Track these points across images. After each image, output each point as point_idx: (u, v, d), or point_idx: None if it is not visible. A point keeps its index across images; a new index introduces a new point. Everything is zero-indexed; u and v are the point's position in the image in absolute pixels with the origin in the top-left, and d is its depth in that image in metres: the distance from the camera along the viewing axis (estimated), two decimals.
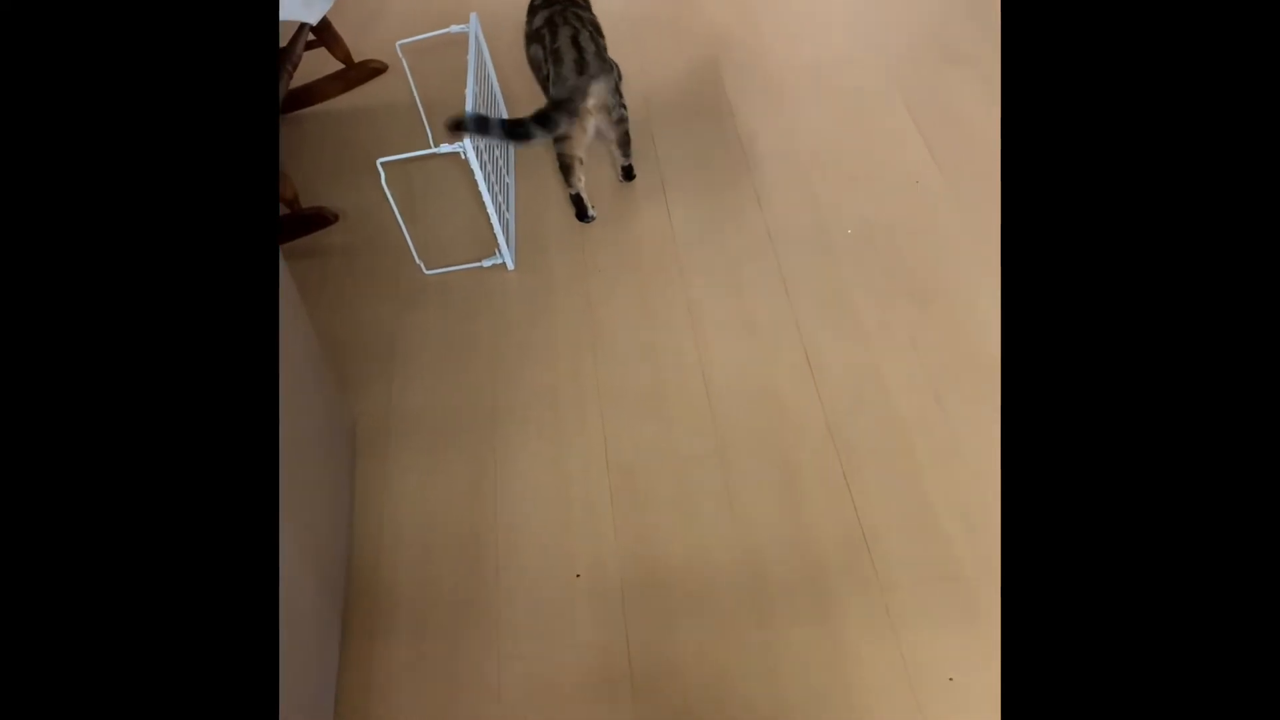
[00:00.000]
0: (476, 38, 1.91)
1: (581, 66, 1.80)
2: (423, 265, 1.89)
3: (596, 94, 1.81)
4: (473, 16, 1.94)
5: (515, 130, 1.77)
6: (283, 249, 1.75)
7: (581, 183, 1.92)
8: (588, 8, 1.96)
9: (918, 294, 1.71)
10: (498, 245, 1.86)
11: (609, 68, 1.84)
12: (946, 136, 2.00)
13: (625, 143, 1.95)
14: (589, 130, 1.86)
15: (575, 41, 1.82)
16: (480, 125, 1.70)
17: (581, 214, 1.95)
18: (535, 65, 1.93)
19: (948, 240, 1.80)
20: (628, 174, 2.02)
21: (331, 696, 1.31)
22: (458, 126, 1.67)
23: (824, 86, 2.17)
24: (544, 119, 1.77)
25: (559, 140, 1.86)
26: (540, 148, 2.10)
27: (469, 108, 1.71)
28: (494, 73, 2.10)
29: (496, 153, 1.96)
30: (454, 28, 1.92)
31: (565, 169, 1.90)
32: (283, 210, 2.00)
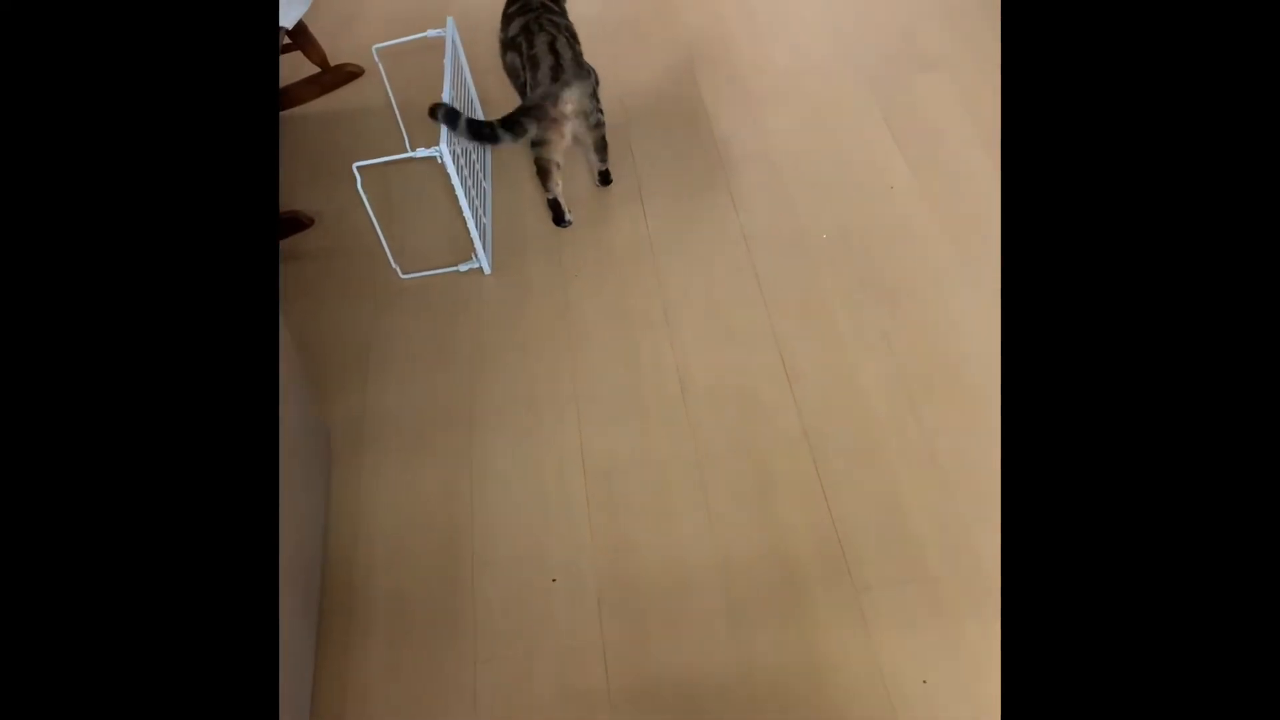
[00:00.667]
0: (453, 42, 1.91)
1: (558, 72, 1.80)
2: (399, 270, 1.89)
3: (573, 99, 1.82)
4: (449, 21, 1.94)
5: (481, 131, 1.80)
6: None
7: (559, 187, 1.92)
8: (563, 13, 1.96)
9: (892, 298, 1.73)
10: (474, 250, 1.86)
11: (585, 73, 1.84)
12: (920, 142, 2.02)
13: (602, 148, 1.96)
14: (566, 135, 1.86)
15: (552, 47, 1.82)
16: (450, 118, 1.73)
17: (559, 219, 1.95)
18: (512, 73, 1.93)
19: (922, 245, 1.82)
20: (604, 179, 2.02)
21: (307, 703, 1.31)
22: (434, 113, 1.72)
23: (799, 92, 2.18)
24: (511, 124, 1.79)
25: (536, 145, 1.87)
26: (518, 152, 2.10)
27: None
28: (471, 77, 2.10)
29: (474, 157, 1.96)
30: (431, 32, 1.92)
31: (543, 174, 1.91)
32: None
